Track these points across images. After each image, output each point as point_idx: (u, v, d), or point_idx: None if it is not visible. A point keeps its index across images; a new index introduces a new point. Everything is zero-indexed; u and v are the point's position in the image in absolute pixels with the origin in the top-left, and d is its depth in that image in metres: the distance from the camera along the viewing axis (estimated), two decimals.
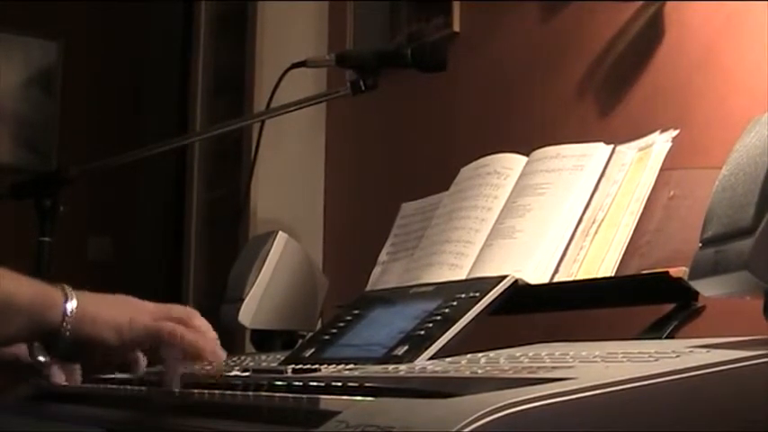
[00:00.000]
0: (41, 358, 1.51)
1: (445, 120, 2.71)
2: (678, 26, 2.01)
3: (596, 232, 1.54)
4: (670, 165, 1.53)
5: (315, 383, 1.19)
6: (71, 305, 1.28)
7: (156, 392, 1.36)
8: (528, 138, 2.20)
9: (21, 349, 1.53)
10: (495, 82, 2.54)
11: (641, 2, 2.07)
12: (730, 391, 0.95)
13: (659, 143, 1.55)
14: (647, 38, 2.06)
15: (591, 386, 0.88)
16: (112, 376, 1.67)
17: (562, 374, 0.96)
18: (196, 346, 1.32)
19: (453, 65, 2.10)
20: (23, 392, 1.76)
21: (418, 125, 2.83)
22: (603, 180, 1.59)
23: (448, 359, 1.33)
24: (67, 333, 1.28)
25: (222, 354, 1.36)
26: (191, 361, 1.34)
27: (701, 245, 1.14)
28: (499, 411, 0.81)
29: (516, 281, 1.49)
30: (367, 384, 1.10)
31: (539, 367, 1.07)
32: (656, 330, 1.37)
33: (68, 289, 1.30)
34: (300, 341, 1.91)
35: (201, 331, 1.34)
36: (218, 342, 1.36)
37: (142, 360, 1.38)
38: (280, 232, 2.26)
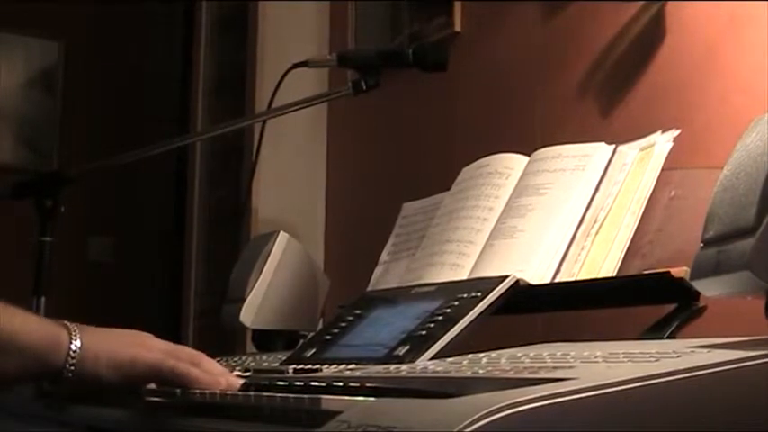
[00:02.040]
0: None
1: (446, 120, 2.71)
2: (679, 26, 2.01)
3: (598, 232, 1.54)
4: (671, 165, 1.53)
5: (316, 383, 1.19)
6: (75, 345, 1.28)
7: (157, 393, 1.36)
8: (529, 138, 2.20)
9: None
10: (497, 82, 2.54)
11: (642, 2, 2.07)
12: (732, 391, 0.95)
13: (660, 143, 1.55)
14: (649, 38, 2.06)
15: (592, 386, 0.88)
16: None
17: (563, 374, 0.96)
18: (200, 384, 1.30)
19: (454, 65, 2.10)
20: (25, 392, 1.76)
21: (420, 125, 2.83)
22: (605, 180, 1.59)
23: (449, 359, 1.33)
24: (70, 374, 1.28)
25: (236, 383, 1.33)
26: None
27: (702, 245, 1.13)
28: (501, 411, 0.81)
29: (518, 281, 1.49)
30: (368, 384, 1.09)
31: (540, 367, 1.06)
32: (657, 330, 1.37)
33: (73, 327, 1.30)
34: (302, 341, 1.91)
35: (207, 370, 1.32)
36: (229, 376, 1.33)
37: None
38: (281, 232, 2.26)
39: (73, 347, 1.28)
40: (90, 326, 1.33)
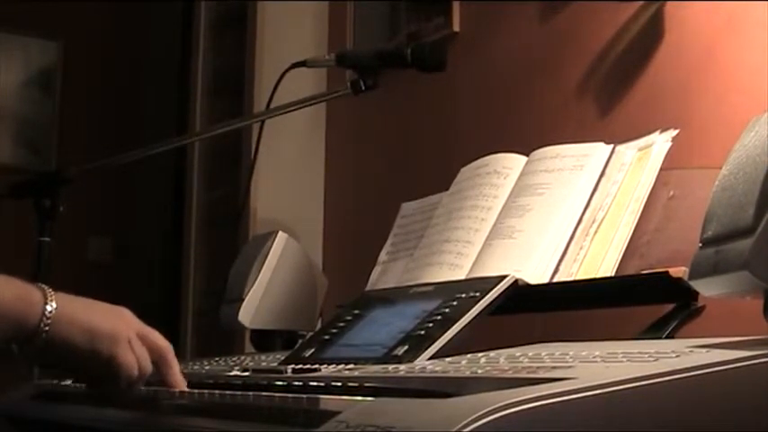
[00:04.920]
0: None
1: (445, 120, 2.71)
2: (678, 26, 2.01)
3: (596, 232, 1.54)
4: (670, 164, 1.53)
5: (315, 383, 1.19)
6: (50, 306, 1.26)
7: (156, 392, 1.36)
8: (528, 137, 2.20)
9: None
10: (495, 82, 2.54)
11: (641, 2, 2.07)
12: (730, 391, 0.95)
13: (659, 143, 1.55)
14: (647, 38, 2.06)
15: (591, 386, 0.88)
16: None
17: (562, 374, 0.96)
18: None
19: (453, 65, 2.10)
20: (24, 392, 1.76)
21: (418, 125, 2.83)
22: (603, 180, 1.59)
23: (448, 359, 1.33)
24: (44, 335, 1.25)
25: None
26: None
27: (700, 245, 1.14)
28: (499, 411, 0.82)
29: (516, 281, 1.49)
30: (367, 384, 1.10)
31: (538, 367, 1.07)
32: (655, 330, 1.37)
33: (48, 290, 1.28)
34: (300, 341, 1.91)
35: (172, 369, 1.34)
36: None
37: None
38: (279, 232, 2.26)
39: (48, 308, 1.26)
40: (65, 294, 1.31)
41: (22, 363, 1.46)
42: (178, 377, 1.34)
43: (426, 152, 2.75)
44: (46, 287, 1.29)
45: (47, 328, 1.26)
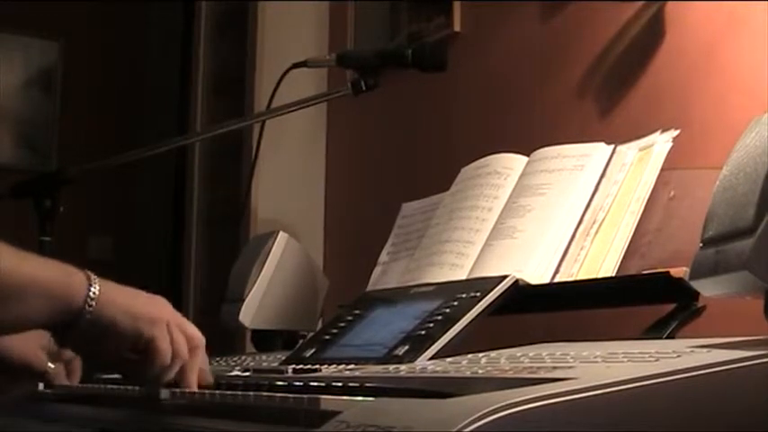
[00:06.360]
0: (51, 365, 1.50)
1: (446, 120, 2.71)
2: (679, 26, 2.01)
3: (597, 232, 1.54)
4: (670, 165, 1.53)
5: (315, 383, 1.19)
6: (94, 289, 1.28)
7: (157, 392, 1.36)
8: (528, 138, 2.20)
9: (30, 355, 1.53)
10: (496, 82, 2.54)
11: (642, 2, 2.07)
12: (731, 391, 0.95)
13: (660, 143, 1.55)
14: (648, 38, 2.06)
15: (592, 386, 0.88)
16: (112, 377, 1.67)
17: (563, 374, 0.96)
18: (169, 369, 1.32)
19: (454, 65, 2.10)
20: (25, 393, 1.76)
21: (419, 125, 2.83)
22: (604, 180, 1.59)
23: (448, 359, 1.33)
24: (88, 316, 1.26)
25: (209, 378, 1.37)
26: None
27: (701, 245, 1.14)
28: (500, 411, 0.81)
29: (517, 281, 1.49)
30: (367, 384, 1.10)
31: (539, 367, 1.07)
32: (656, 330, 1.37)
33: (92, 274, 1.30)
34: (301, 341, 1.91)
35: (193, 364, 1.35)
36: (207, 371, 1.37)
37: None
38: (280, 232, 2.26)
39: (92, 290, 1.27)
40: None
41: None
42: (192, 375, 1.34)
43: (427, 152, 2.75)
44: (90, 272, 1.30)
45: (91, 309, 1.27)
